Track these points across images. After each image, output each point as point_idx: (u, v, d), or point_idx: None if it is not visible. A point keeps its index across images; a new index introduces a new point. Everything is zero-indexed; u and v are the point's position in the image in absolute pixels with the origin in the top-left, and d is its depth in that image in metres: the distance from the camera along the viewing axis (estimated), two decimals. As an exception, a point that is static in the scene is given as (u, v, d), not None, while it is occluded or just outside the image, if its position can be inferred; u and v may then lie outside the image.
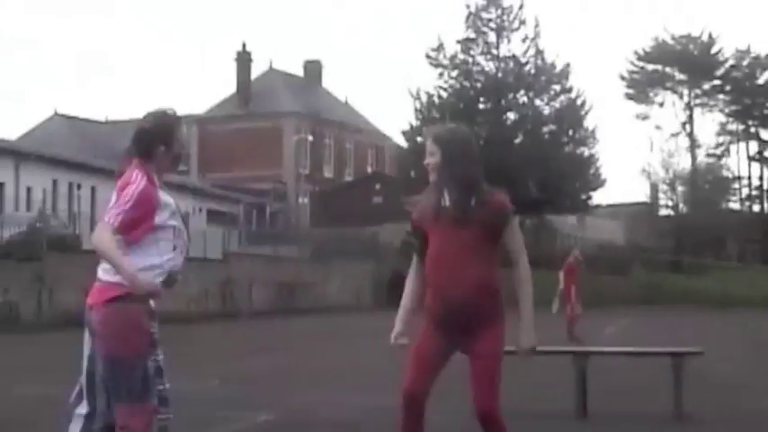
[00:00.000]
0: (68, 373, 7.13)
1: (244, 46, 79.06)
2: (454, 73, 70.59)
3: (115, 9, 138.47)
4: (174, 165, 5.90)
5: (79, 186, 49.08)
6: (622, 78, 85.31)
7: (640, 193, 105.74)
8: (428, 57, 70.73)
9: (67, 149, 56.24)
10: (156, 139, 5.79)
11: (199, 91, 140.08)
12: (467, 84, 70.60)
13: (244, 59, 78.76)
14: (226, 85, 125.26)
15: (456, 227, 6.10)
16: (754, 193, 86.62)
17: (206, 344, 27.75)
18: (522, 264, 6.28)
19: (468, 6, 70.15)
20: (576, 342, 23.03)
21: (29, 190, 45.62)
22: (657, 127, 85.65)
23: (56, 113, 69.83)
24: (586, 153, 70.67)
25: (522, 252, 6.28)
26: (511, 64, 70.06)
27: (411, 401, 6.18)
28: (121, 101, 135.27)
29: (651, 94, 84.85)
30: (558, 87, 70.22)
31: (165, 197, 5.81)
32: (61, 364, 18.99)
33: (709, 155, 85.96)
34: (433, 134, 6.36)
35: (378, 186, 75.05)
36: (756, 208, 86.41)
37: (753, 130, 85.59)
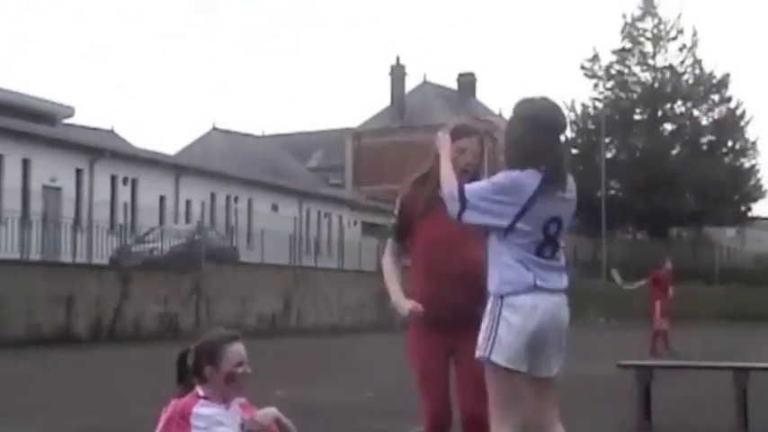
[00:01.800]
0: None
1: (398, 60, 79.76)
2: (609, 84, 70.09)
3: (275, 25, 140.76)
4: (229, 383, 5.41)
5: (236, 199, 49.82)
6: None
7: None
8: (583, 68, 70.37)
9: (225, 163, 57.19)
10: (200, 361, 5.49)
11: (354, 105, 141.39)
12: (622, 95, 69.99)
13: (398, 73, 79.33)
14: (380, 99, 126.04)
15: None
16: None
17: (361, 355, 27.91)
18: None
19: (624, 17, 69.80)
20: (656, 357, 22.85)
21: (188, 203, 46.44)
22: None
23: (214, 128, 71.07)
24: (746, 164, 69.37)
25: None
26: (668, 74, 69.19)
27: (443, 424, 5.94)
28: (276, 115, 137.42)
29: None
30: (716, 97, 69.08)
31: (204, 410, 5.38)
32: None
33: None
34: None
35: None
36: None
37: None
